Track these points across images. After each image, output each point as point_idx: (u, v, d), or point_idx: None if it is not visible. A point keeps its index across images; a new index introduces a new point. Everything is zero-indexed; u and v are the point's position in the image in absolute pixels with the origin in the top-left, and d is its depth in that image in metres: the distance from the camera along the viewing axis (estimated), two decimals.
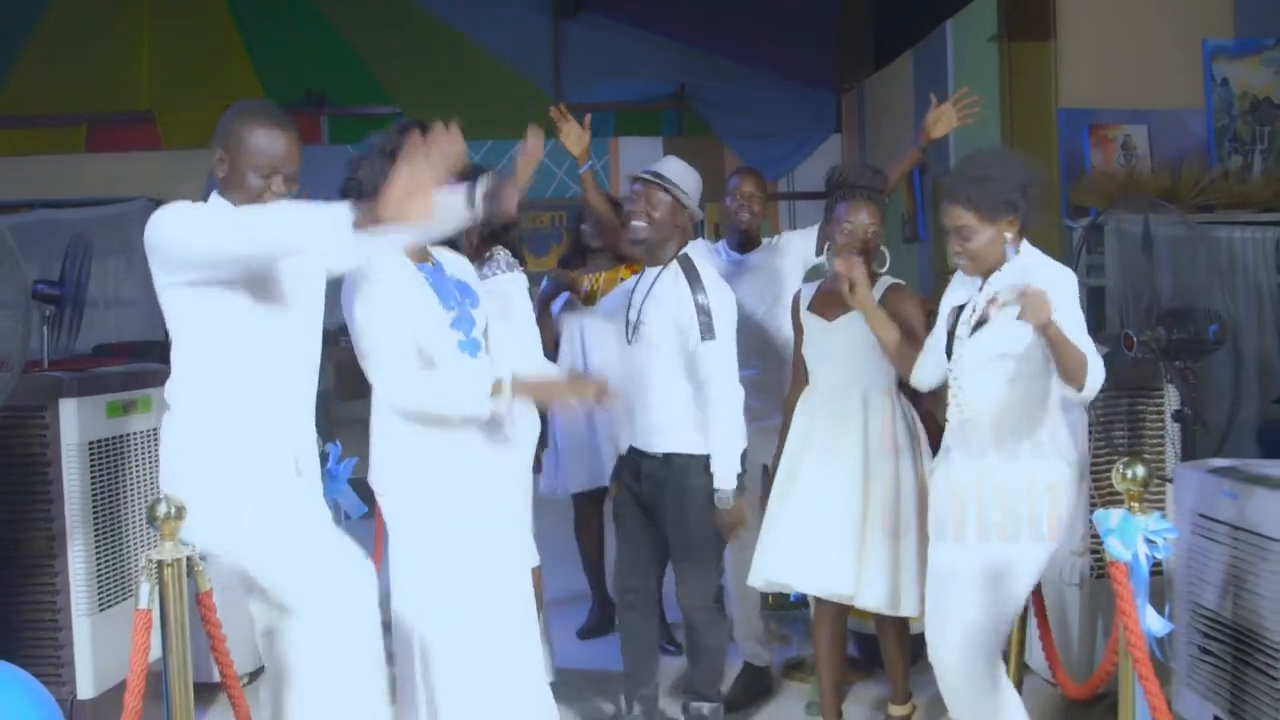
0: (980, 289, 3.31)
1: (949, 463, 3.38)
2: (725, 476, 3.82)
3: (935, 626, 3.32)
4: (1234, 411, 3.84)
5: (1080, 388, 3.06)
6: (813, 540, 3.83)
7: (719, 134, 10.76)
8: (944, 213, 3.30)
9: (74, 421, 3.77)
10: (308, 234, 2.89)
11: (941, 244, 8.14)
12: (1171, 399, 4.04)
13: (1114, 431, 4.07)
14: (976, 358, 3.27)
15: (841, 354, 3.91)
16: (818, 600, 4.00)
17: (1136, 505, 2.70)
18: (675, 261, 4.00)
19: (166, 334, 10.08)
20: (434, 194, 2.78)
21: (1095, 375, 3.06)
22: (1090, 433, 4.06)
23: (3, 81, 10.52)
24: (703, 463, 3.90)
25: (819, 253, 4.60)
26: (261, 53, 10.76)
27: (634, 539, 4.14)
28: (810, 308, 4.05)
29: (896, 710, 4.06)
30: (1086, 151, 6.61)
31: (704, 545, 3.99)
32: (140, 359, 4.97)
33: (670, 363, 3.95)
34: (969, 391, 3.30)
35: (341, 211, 2.78)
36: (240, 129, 3.10)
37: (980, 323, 3.24)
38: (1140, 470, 2.71)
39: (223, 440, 3.05)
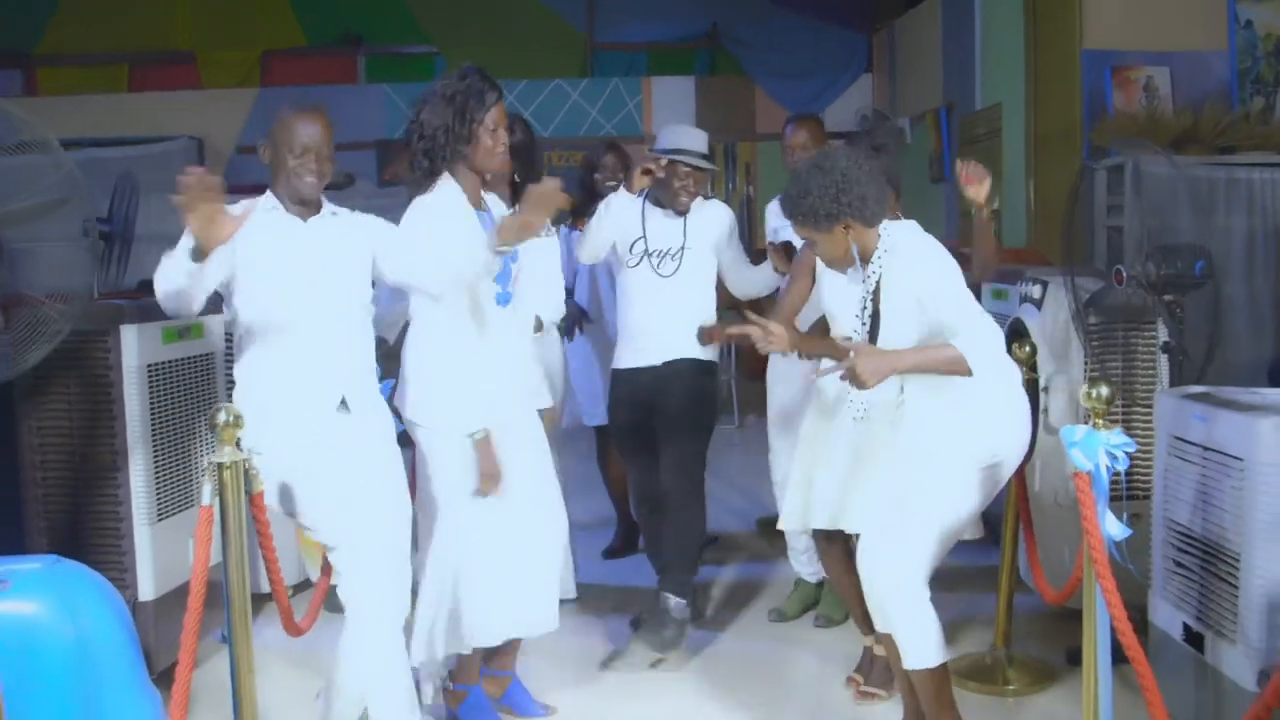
0: (865, 282, 3.48)
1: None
2: None
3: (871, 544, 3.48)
4: (1213, 342, 4.02)
5: (969, 374, 3.25)
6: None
7: (750, 73, 10.87)
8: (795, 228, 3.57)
9: (134, 346, 4.01)
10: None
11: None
12: (1163, 332, 4.21)
13: (1108, 360, 4.27)
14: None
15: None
16: (824, 535, 4.16)
17: (1100, 421, 2.93)
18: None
19: None
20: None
21: (977, 356, 3.23)
22: (1085, 361, 4.26)
23: (46, 22, 10.71)
24: (701, 365, 4.57)
25: None
26: None
27: (642, 456, 4.66)
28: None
29: (870, 642, 4.22)
30: (1109, 93, 6.67)
31: (693, 432, 4.54)
32: None
33: (710, 282, 4.64)
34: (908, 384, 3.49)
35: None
36: (280, 120, 3.46)
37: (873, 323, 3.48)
38: (1104, 390, 2.94)
39: (268, 380, 3.41)
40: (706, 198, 4.76)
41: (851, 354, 3.27)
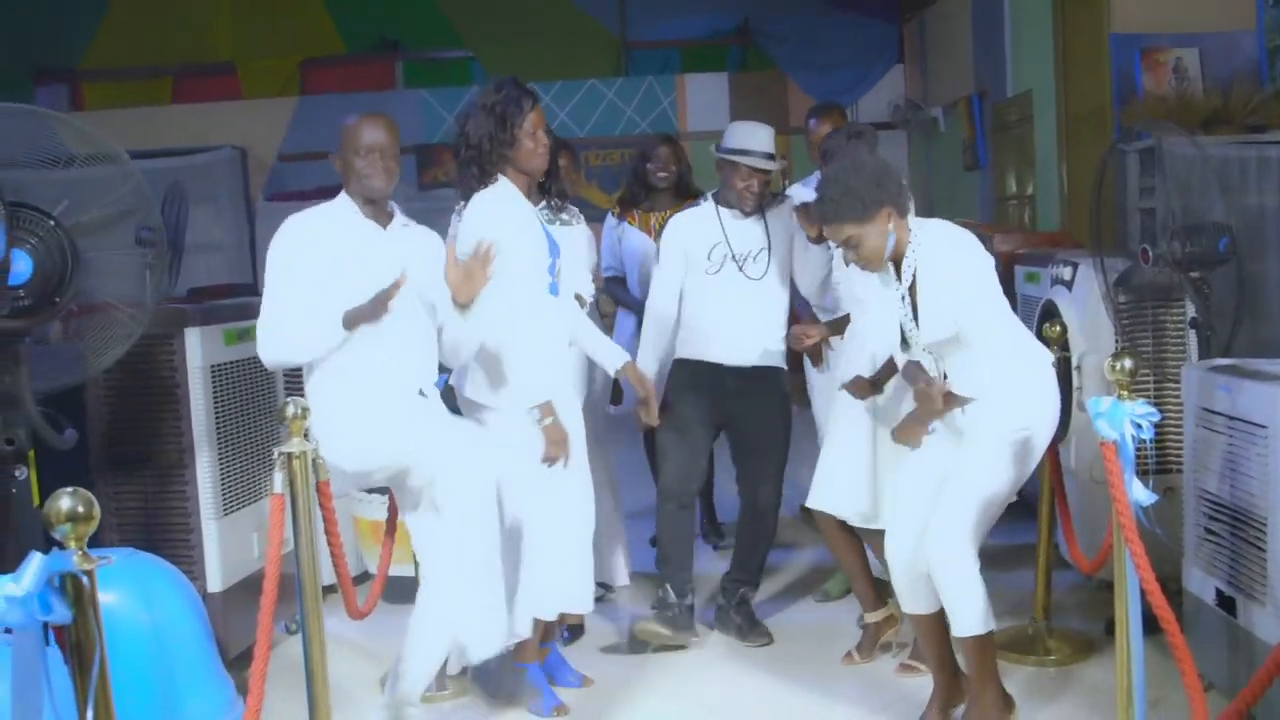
0: (900, 282, 3.56)
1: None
2: None
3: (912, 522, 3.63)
4: (1238, 317, 4.10)
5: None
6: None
7: (782, 67, 10.91)
8: (829, 233, 3.60)
9: (198, 347, 4.19)
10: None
11: (1002, 170, 8.40)
12: (1191, 308, 4.31)
13: (1138, 338, 4.37)
14: (931, 345, 3.56)
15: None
16: (820, 515, 4.39)
17: (1125, 393, 3.06)
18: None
19: (255, 276, 10.51)
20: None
21: (994, 364, 3.48)
22: (1116, 339, 4.37)
23: (91, 38, 10.90)
24: (782, 374, 4.66)
25: None
26: (337, 1, 11.02)
27: (694, 448, 4.64)
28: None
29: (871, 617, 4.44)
30: (1139, 76, 6.72)
31: (780, 454, 4.64)
32: None
33: (788, 281, 4.67)
34: (949, 370, 3.59)
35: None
36: (348, 127, 3.67)
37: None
38: (1128, 363, 3.08)
39: (356, 378, 3.59)
40: (775, 195, 4.79)
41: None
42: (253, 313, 4.56)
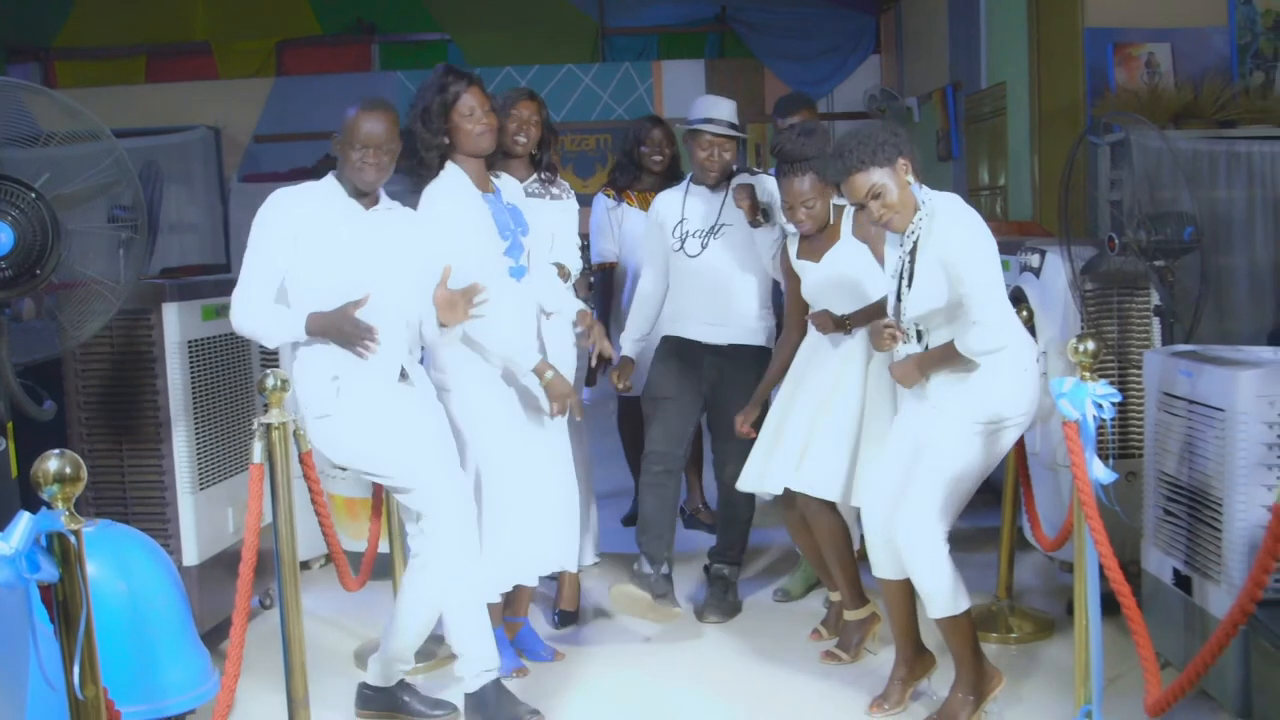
0: (902, 245, 3.60)
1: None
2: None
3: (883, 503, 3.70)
4: (1201, 305, 4.19)
5: (978, 362, 3.50)
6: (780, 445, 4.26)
7: (759, 55, 10.95)
8: (849, 191, 3.56)
9: (175, 323, 4.22)
10: None
11: (975, 161, 8.47)
12: (1155, 296, 4.39)
13: (1103, 324, 4.46)
14: (918, 315, 3.59)
15: (832, 286, 4.21)
16: (784, 500, 4.31)
17: (1087, 374, 3.16)
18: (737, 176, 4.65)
19: (228, 257, 10.41)
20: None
21: (984, 342, 3.44)
22: (1081, 327, 4.45)
23: (64, 16, 10.82)
24: (758, 353, 4.61)
25: None
26: None
27: (674, 414, 4.64)
28: (800, 256, 4.33)
29: (836, 596, 4.45)
30: (1111, 70, 6.80)
31: (757, 427, 4.42)
32: None
33: (749, 261, 4.60)
34: (931, 338, 3.64)
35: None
36: (349, 117, 3.65)
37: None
38: (1090, 345, 3.18)
39: (338, 355, 3.59)
40: (753, 172, 4.80)
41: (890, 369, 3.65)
42: (230, 289, 4.63)
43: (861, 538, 3.90)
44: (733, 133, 4.59)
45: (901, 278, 3.60)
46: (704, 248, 4.63)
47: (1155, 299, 4.37)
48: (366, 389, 3.60)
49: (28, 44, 10.84)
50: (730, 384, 4.62)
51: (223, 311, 4.48)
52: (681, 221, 4.68)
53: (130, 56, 11.07)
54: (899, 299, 3.61)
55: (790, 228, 4.31)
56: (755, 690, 4.09)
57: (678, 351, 4.71)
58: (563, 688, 4.11)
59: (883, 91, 10.46)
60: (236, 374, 4.61)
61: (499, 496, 3.94)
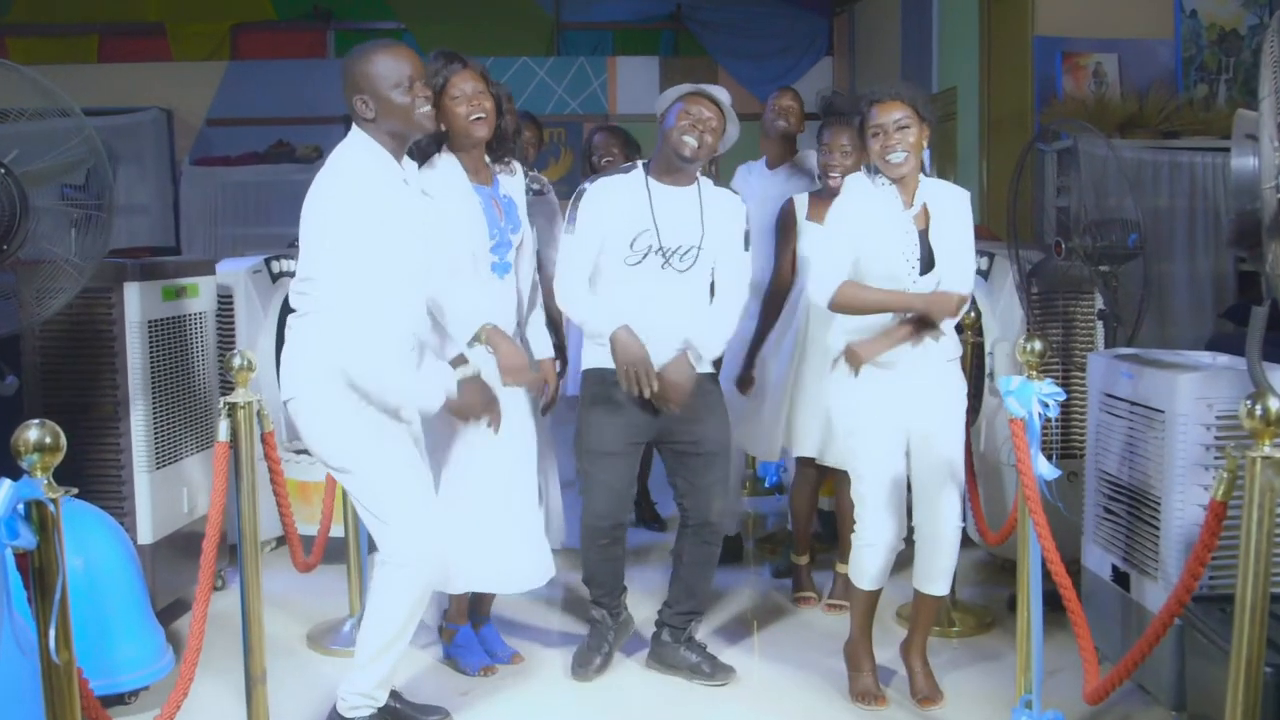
0: (909, 208, 3.66)
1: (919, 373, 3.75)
2: (709, 357, 4.00)
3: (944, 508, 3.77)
4: (1143, 310, 4.33)
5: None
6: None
7: (713, 54, 11.03)
8: (879, 111, 3.62)
9: (136, 302, 4.23)
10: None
11: (939, 165, 8.58)
12: (1099, 300, 4.52)
13: (1049, 327, 4.58)
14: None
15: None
16: (801, 463, 4.74)
17: (1034, 373, 3.28)
18: (700, 179, 4.03)
19: (178, 240, 10.27)
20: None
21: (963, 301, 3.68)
22: (1026, 329, 4.57)
23: None
24: (715, 376, 4.11)
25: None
26: None
27: (615, 473, 3.97)
28: (808, 217, 4.64)
29: (843, 567, 4.62)
30: (1059, 78, 6.93)
31: (726, 462, 4.10)
32: None
33: (707, 280, 4.01)
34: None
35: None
36: (366, 66, 3.28)
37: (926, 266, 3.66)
38: (1037, 345, 3.31)
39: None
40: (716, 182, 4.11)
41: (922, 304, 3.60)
42: (192, 270, 4.67)
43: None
44: (724, 103, 3.92)
45: (915, 250, 3.66)
46: (690, 265, 3.93)
47: (1099, 303, 4.50)
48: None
49: None
50: (688, 411, 3.93)
51: (183, 293, 4.53)
52: (650, 230, 3.89)
53: (82, 35, 10.97)
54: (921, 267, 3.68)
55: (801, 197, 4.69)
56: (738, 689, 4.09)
57: (609, 394, 3.94)
58: (527, 690, 4.09)
59: (834, 93, 10.55)
60: (197, 355, 4.63)
61: (458, 500, 3.86)
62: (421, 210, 3.46)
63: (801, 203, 4.72)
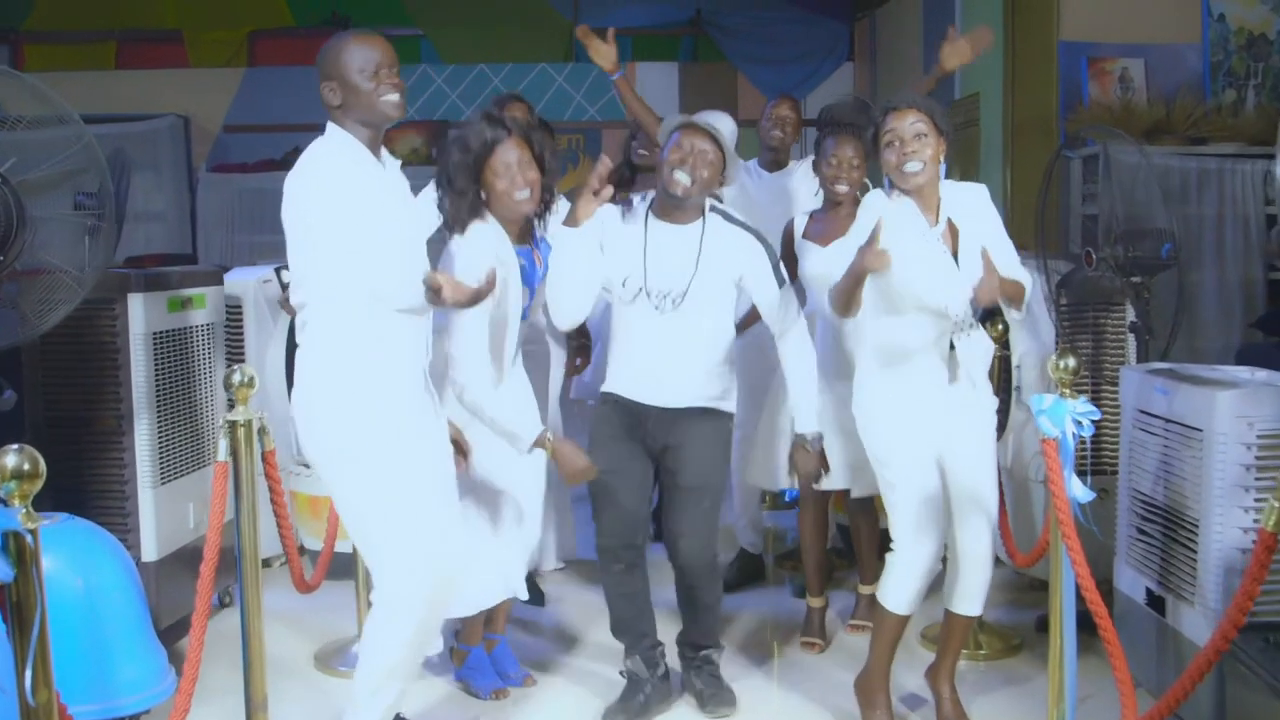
0: (934, 225, 3.48)
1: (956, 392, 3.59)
2: (813, 420, 3.78)
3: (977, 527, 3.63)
4: (1176, 323, 4.19)
5: (1021, 308, 3.51)
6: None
7: (733, 60, 10.91)
8: (895, 118, 3.44)
9: (140, 314, 4.13)
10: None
11: (947, 171, 8.47)
12: (1130, 312, 4.38)
13: (1078, 339, 4.44)
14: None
15: (832, 276, 3.95)
16: (804, 492, 4.47)
17: (1067, 391, 3.13)
18: (712, 214, 3.81)
19: (194, 247, 10.26)
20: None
21: (1028, 288, 3.52)
22: (1056, 342, 4.44)
23: None
24: (723, 416, 3.88)
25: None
26: None
27: (626, 492, 3.81)
28: (805, 235, 4.44)
29: (865, 589, 4.48)
30: (1085, 84, 6.83)
31: (715, 499, 3.86)
32: None
33: (717, 321, 3.84)
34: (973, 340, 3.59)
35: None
36: (334, 53, 3.20)
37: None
38: (1071, 361, 3.16)
39: (355, 364, 3.17)
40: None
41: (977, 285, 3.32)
42: (199, 280, 4.57)
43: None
44: (720, 145, 3.71)
45: (946, 258, 3.49)
46: (675, 307, 3.75)
47: (1131, 314, 4.36)
48: (387, 401, 3.18)
49: None
50: (685, 441, 3.80)
51: (188, 304, 4.43)
52: (639, 272, 3.76)
53: (100, 42, 10.91)
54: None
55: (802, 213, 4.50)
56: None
57: (620, 418, 3.84)
58: (540, 714, 3.99)
59: (856, 98, 10.45)
60: (202, 368, 4.53)
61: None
62: (404, 193, 3.33)
63: (800, 222, 4.51)
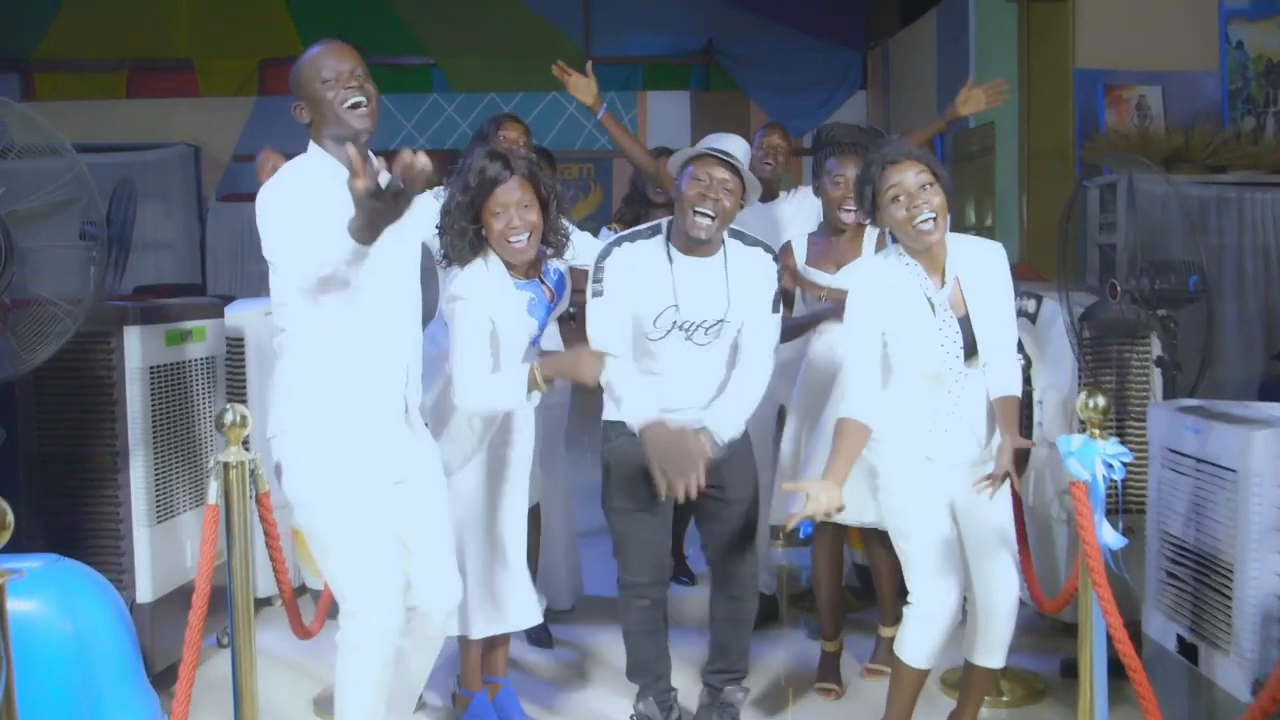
0: (943, 286, 3.32)
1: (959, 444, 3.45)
2: (727, 439, 3.63)
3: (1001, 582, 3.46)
4: (1205, 357, 4.04)
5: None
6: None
7: (745, 89, 10.91)
8: (895, 171, 3.27)
9: (137, 347, 4.02)
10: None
11: (962, 200, 8.38)
12: (1156, 346, 4.25)
13: (1102, 374, 4.30)
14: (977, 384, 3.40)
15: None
16: (818, 528, 4.26)
17: (1097, 431, 2.98)
18: (730, 240, 3.71)
19: (204, 277, 10.27)
20: None
21: (1019, 377, 3.45)
22: (1080, 377, 4.31)
23: (46, 27, 10.72)
24: (747, 440, 3.81)
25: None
26: (298, 2, 10.87)
27: (650, 528, 3.73)
28: (809, 262, 4.28)
29: (886, 631, 4.31)
30: (1101, 111, 6.78)
31: (756, 507, 3.84)
32: None
33: (729, 347, 3.74)
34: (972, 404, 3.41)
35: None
36: (297, 70, 3.13)
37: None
38: (1100, 400, 3.00)
39: (330, 394, 3.10)
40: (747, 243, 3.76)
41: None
42: (198, 313, 4.47)
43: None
44: (736, 161, 3.58)
45: (951, 324, 3.32)
46: (715, 336, 3.67)
47: (1156, 349, 4.23)
48: (353, 432, 3.09)
49: (7, 55, 10.72)
50: (723, 464, 3.65)
51: (187, 337, 4.32)
52: (671, 309, 3.62)
53: (111, 71, 10.96)
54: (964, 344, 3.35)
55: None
56: None
57: (639, 448, 3.56)
58: None
59: (869, 127, 10.37)
60: (201, 403, 4.42)
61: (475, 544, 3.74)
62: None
63: (800, 246, 4.34)
